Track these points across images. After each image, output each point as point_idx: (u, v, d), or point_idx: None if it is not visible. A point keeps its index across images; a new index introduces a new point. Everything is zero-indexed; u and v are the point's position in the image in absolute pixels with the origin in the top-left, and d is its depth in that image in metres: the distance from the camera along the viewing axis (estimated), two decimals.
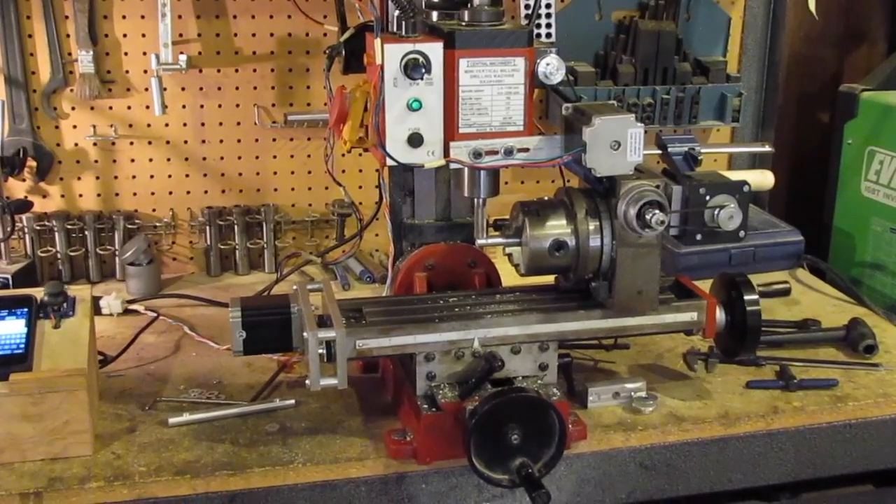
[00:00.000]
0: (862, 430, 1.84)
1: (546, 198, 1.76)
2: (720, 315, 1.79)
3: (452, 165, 1.64)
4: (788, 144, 2.91)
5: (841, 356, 2.03)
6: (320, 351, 1.59)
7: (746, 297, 1.76)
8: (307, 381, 1.59)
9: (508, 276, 1.89)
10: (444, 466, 1.65)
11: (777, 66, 2.75)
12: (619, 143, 1.56)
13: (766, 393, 1.87)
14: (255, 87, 2.43)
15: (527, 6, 2.43)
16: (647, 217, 1.59)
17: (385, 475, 1.65)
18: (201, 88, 2.41)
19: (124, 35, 2.33)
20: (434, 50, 1.59)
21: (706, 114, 2.60)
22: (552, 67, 1.64)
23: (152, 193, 2.45)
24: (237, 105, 2.44)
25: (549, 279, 1.82)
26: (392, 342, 1.64)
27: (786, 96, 2.96)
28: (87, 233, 2.40)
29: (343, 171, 2.10)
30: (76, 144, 2.38)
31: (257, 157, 2.49)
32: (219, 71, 2.40)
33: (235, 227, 2.47)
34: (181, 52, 2.30)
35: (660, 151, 1.79)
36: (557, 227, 1.68)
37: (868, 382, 1.92)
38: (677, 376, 1.94)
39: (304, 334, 1.59)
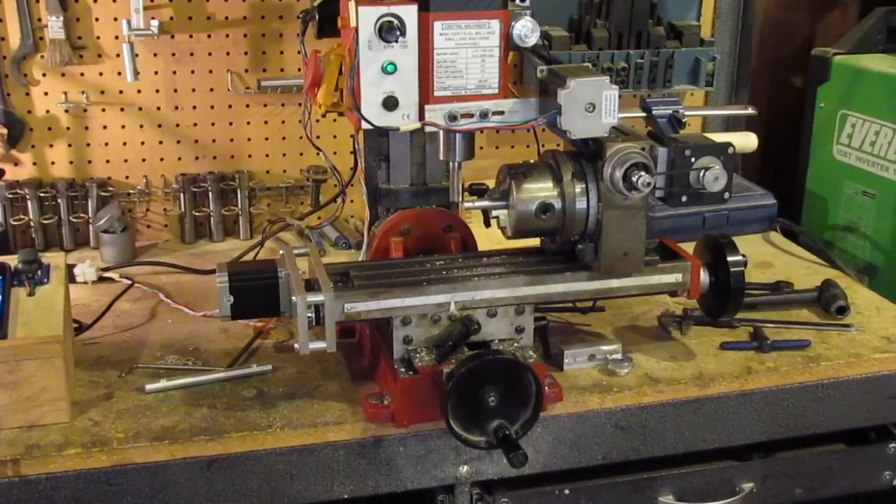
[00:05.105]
0: (834, 390, 1.86)
1: (532, 161, 1.76)
2: (704, 276, 1.80)
3: (428, 128, 1.64)
4: (761, 108, 2.90)
5: (813, 317, 2.05)
6: (309, 315, 1.59)
7: (730, 259, 1.78)
8: (296, 346, 1.59)
9: (484, 240, 1.90)
10: (421, 429, 1.66)
11: (750, 30, 2.76)
12: (594, 105, 1.56)
13: (739, 354, 1.89)
14: (227, 53, 2.41)
15: None
16: (634, 179, 1.59)
17: (363, 439, 1.66)
18: (173, 54, 2.39)
19: (95, 0, 2.30)
20: (409, 12, 1.59)
21: (680, 78, 2.60)
22: (527, 30, 1.64)
23: (125, 160, 2.44)
24: (210, 71, 2.42)
25: (535, 242, 1.83)
26: (380, 305, 1.64)
27: (759, 60, 2.96)
28: (59, 200, 2.38)
29: (318, 137, 2.09)
30: (47, 111, 2.36)
31: (231, 124, 2.47)
32: (191, 36, 2.38)
33: (210, 193, 2.46)
34: (153, 18, 2.27)
35: (644, 114, 1.79)
36: (544, 189, 1.68)
37: (840, 343, 1.94)
38: (652, 338, 1.95)
39: (293, 298, 1.59)
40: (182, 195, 2.46)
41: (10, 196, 2.36)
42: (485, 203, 1.73)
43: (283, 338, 1.93)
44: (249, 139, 2.50)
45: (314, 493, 1.67)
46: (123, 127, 2.41)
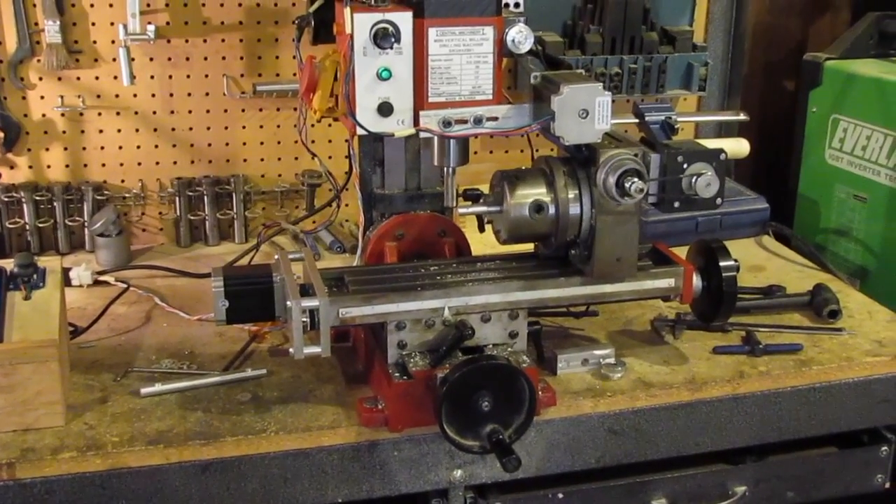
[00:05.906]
0: (826, 394, 1.87)
1: (524, 167, 1.77)
2: (697, 281, 1.81)
3: (422, 134, 1.65)
4: (754, 113, 2.92)
5: (805, 321, 2.05)
6: (304, 319, 1.59)
7: (722, 264, 1.79)
8: (291, 350, 1.59)
9: (477, 245, 1.90)
10: (415, 433, 1.67)
11: (743, 35, 2.77)
12: (587, 111, 1.57)
13: (732, 358, 1.90)
14: (223, 58, 2.42)
15: None
16: (627, 185, 1.61)
17: (357, 443, 1.66)
18: (170, 59, 2.39)
19: (91, 5, 2.31)
20: (403, 19, 1.60)
21: (673, 83, 2.60)
22: (521, 36, 1.64)
23: (121, 164, 2.44)
24: (206, 75, 2.42)
25: (529, 247, 1.84)
26: (375, 310, 1.65)
27: (751, 65, 2.98)
28: (55, 204, 2.38)
29: (313, 142, 2.10)
30: (44, 115, 2.36)
31: (226, 128, 2.48)
32: (187, 41, 2.39)
33: (205, 197, 2.47)
34: (149, 22, 2.28)
35: (637, 120, 1.80)
36: (537, 194, 1.69)
37: (832, 347, 1.95)
38: (645, 343, 1.96)
39: (288, 303, 1.60)
40: (177, 199, 2.46)
41: (6, 199, 2.36)
42: (479, 208, 1.74)
43: (278, 342, 1.94)
44: (245, 143, 2.50)
45: (308, 497, 1.67)
46: (119, 131, 2.42)
